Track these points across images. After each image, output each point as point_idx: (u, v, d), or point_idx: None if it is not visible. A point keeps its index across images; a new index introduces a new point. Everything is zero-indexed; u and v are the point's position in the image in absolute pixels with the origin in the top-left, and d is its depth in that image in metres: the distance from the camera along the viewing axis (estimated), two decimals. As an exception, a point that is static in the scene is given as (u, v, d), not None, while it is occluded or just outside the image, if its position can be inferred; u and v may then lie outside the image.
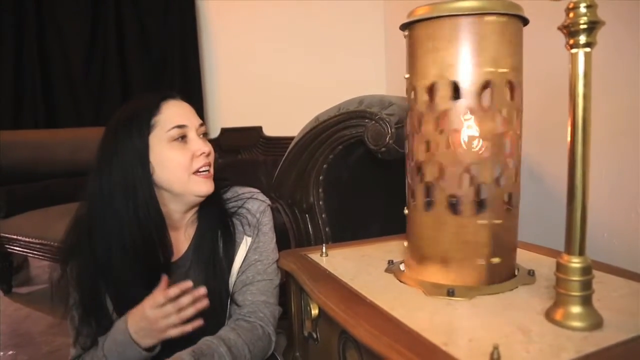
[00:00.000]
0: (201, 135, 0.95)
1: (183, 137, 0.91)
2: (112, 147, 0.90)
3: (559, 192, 0.72)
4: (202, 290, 0.83)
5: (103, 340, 0.89)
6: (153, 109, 0.90)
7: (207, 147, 0.93)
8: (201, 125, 0.95)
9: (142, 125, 0.89)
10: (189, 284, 0.83)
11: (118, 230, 0.88)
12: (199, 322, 0.83)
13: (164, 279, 0.84)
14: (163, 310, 0.81)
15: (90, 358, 0.90)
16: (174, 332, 0.81)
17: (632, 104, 1.24)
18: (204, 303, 0.83)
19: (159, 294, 0.81)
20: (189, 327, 0.82)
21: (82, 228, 0.91)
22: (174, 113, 0.92)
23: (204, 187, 0.93)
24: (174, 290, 0.81)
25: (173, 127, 0.90)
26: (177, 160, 0.90)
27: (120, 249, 0.89)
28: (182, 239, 0.99)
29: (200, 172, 0.92)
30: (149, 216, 0.90)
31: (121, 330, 0.85)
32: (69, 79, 2.88)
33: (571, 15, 0.60)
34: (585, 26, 0.59)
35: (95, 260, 0.89)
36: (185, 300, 0.81)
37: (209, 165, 0.94)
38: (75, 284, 0.91)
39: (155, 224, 0.91)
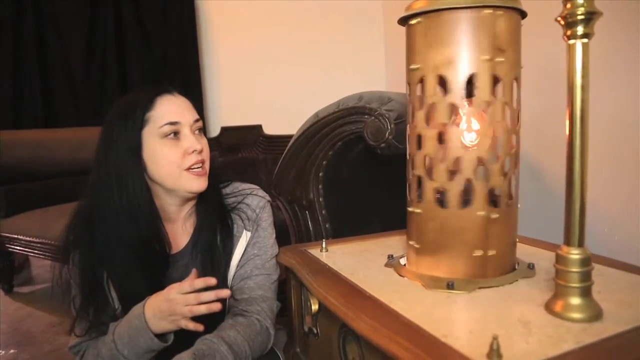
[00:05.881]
0: (196, 132, 0.94)
1: (175, 134, 0.91)
2: (107, 140, 0.91)
3: (559, 186, 0.72)
4: (226, 291, 0.84)
5: (115, 325, 0.89)
6: (147, 104, 0.91)
7: (200, 145, 0.92)
8: (196, 121, 0.94)
9: (136, 120, 0.90)
10: (213, 280, 0.83)
11: (115, 221, 0.90)
12: (200, 327, 0.82)
13: (194, 271, 0.86)
14: (185, 296, 0.81)
15: (95, 345, 0.91)
16: (184, 323, 0.82)
17: (633, 99, 1.24)
18: (218, 306, 0.82)
19: (187, 282, 0.83)
20: (200, 327, 0.82)
21: (83, 219, 0.93)
22: (167, 109, 0.91)
23: (195, 184, 0.92)
24: (200, 282, 0.82)
25: (165, 124, 0.90)
26: (169, 157, 0.90)
27: (118, 240, 0.90)
28: (180, 232, 0.99)
29: (193, 169, 0.92)
30: (140, 209, 0.91)
31: (137, 314, 0.85)
32: (68, 78, 2.89)
33: (568, 6, 0.60)
34: (582, 17, 0.59)
35: (95, 250, 0.90)
36: (207, 295, 0.81)
37: (202, 162, 0.93)
38: (77, 274, 0.92)
39: (148, 217, 0.92)
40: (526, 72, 0.82)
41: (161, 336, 0.85)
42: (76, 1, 2.85)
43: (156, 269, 0.93)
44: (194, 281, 0.82)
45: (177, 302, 0.82)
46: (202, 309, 0.81)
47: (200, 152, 0.93)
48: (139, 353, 0.86)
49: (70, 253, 0.93)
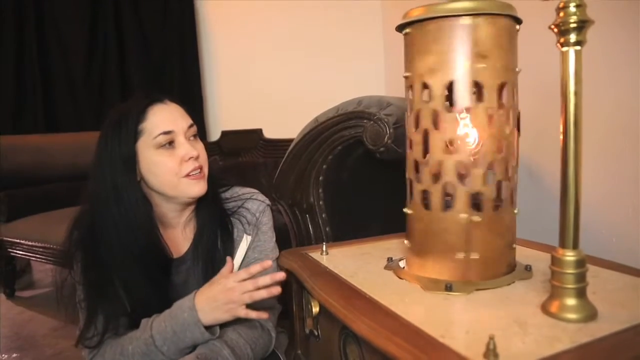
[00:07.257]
0: (191, 138, 0.95)
1: (170, 143, 0.91)
2: (102, 153, 0.92)
3: (557, 189, 0.73)
4: (282, 274, 0.84)
5: (149, 321, 0.87)
6: (139, 115, 0.91)
7: (196, 151, 0.92)
8: (190, 126, 0.95)
9: (129, 132, 0.90)
10: (269, 263, 0.85)
11: (115, 231, 0.90)
12: (264, 315, 0.84)
13: (229, 259, 0.87)
14: (243, 284, 0.82)
15: (115, 343, 0.89)
16: (244, 312, 0.82)
17: (631, 103, 1.25)
18: (278, 290, 0.83)
19: (243, 271, 0.84)
20: (253, 314, 0.83)
21: (84, 225, 0.93)
22: (160, 119, 0.91)
23: (196, 188, 0.93)
24: (256, 268, 0.83)
25: (159, 134, 0.90)
26: (166, 166, 0.91)
27: (120, 248, 0.90)
28: (181, 238, 1.00)
29: (191, 175, 0.92)
30: (137, 220, 0.91)
31: (186, 307, 0.85)
32: (69, 83, 2.90)
33: (561, 14, 0.62)
34: (575, 25, 0.60)
35: (99, 254, 0.91)
36: (264, 280, 0.82)
37: (200, 168, 0.94)
38: (82, 278, 0.92)
39: (146, 228, 0.92)
40: (526, 76, 0.83)
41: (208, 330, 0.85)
42: (77, 6, 2.87)
43: (159, 275, 0.94)
44: (251, 267, 0.83)
45: (235, 290, 0.82)
46: (263, 294, 0.82)
47: (197, 158, 0.93)
48: (180, 348, 0.85)
49: (73, 255, 0.93)
